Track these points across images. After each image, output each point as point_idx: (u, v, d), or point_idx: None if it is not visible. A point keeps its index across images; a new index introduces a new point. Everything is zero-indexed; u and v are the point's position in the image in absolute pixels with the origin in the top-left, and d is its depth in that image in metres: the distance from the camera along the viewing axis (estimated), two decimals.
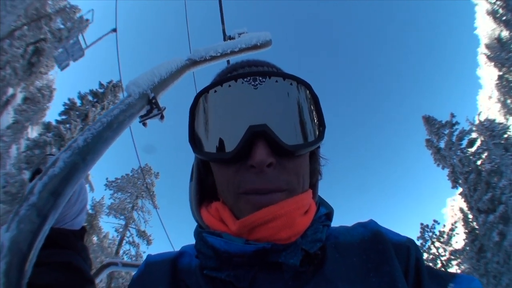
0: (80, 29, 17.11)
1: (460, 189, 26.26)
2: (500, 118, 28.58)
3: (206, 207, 0.82)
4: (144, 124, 1.22)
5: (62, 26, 25.93)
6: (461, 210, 26.95)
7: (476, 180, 24.79)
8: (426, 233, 31.68)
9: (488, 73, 31.72)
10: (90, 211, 29.99)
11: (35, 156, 20.25)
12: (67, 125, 23.77)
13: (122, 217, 31.45)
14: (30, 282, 0.78)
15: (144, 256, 0.82)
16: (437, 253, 30.50)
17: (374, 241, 0.76)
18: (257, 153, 0.67)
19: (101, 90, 27.93)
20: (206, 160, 0.79)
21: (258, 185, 0.69)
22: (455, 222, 30.26)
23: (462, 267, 28.24)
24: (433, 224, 31.79)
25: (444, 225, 31.50)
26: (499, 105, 30.21)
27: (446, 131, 27.95)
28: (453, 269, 28.90)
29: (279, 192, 0.70)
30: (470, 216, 25.65)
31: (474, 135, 26.70)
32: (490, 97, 31.83)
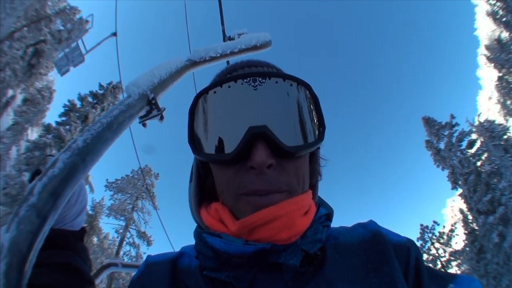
0: (80, 34, 17.11)
1: (460, 190, 26.28)
2: (500, 119, 28.60)
3: (205, 208, 0.82)
4: (144, 125, 1.22)
5: (62, 28, 25.94)
6: (461, 211, 26.95)
7: (476, 181, 24.80)
8: (426, 234, 31.71)
9: (488, 74, 31.74)
10: (90, 212, 30.04)
11: (35, 158, 20.27)
12: (67, 127, 23.77)
13: (122, 218, 31.48)
14: (30, 283, 0.77)
15: (145, 257, 0.82)
16: (437, 254, 30.50)
17: (374, 242, 0.76)
18: (256, 154, 0.67)
19: (101, 92, 27.95)
20: (206, 161, 0.79)
21: (258, 186, 0.68)
22: (455, 223, 30.30)
23: (462, 268, 28.24)
24: (433, 225, 31.88)
25: (444, 226, 31.52)
26: (499, 106, 30.23)
27: (446, 133, 27.94)
28: (453, 270, 28.89)
29: (279, 193, 0.70)
30: (470, 217, 25.66)
31: (474, 136, 26.71)
32: (490, 98, 31.85)
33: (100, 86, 28.42)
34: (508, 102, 29.10)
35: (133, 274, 0.77)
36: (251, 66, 0.86)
